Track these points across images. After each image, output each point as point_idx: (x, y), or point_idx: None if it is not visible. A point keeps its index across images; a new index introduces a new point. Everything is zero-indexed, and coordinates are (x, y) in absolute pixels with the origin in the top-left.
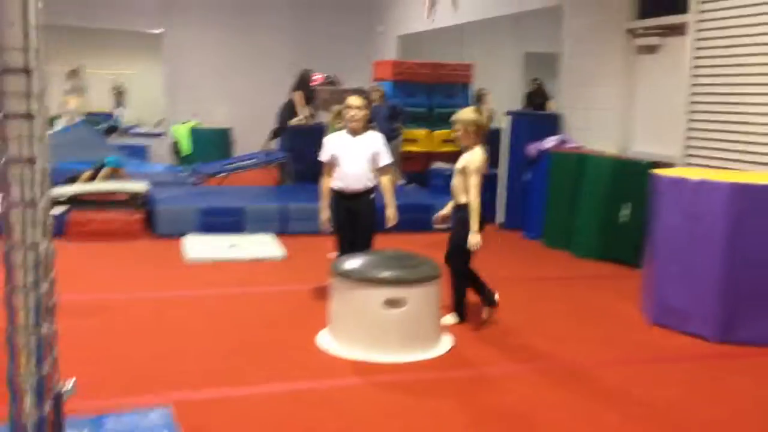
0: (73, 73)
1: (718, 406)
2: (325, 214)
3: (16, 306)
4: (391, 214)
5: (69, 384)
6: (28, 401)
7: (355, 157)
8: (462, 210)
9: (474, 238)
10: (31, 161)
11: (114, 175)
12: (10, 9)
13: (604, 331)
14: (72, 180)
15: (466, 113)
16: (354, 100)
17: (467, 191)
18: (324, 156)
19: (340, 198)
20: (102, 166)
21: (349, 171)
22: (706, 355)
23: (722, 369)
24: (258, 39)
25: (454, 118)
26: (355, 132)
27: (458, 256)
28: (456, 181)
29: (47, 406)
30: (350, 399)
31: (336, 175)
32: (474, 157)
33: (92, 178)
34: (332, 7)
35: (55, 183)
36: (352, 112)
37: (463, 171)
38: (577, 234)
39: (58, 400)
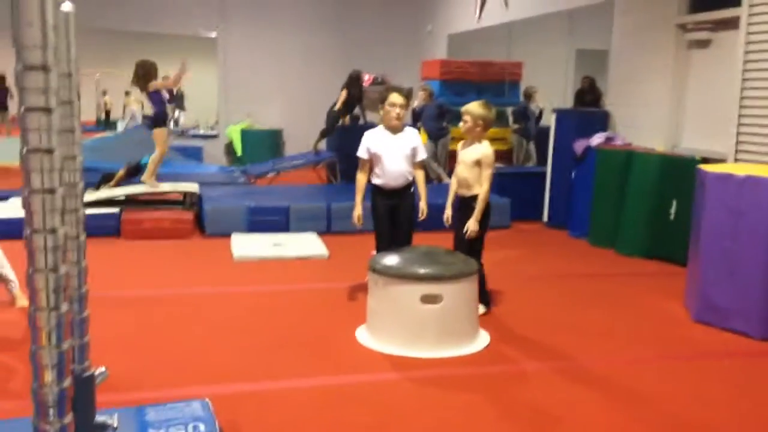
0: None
1: (759, 404)
2: (358, 210)
3: (37, 287)
4: (424, 207)
5: (100, 369)
6: (48, 376)
7: (396, 154)
8: (475, 201)
9: (475, 225)
10: (49, 151)
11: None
12: (28, 10)
13: (645, 328)
14: (106, 178)
15: (477, 108)
16: (397, 98)
17: (481, 183)
18: (362, 152)
19: (380, 194)
20: (137, 165)
21: (390, 168)
22: (749, 352)
23: (766, 367)
24: (309, 41)
25: (464, 109)
26: (395, 129)
27: (477, 246)
28: (469, 174)
29: (66, 382)
30: (385, 393)
31: (376, 172)
32: (488, 151)
33: (126, 176)
34: (382, 8)
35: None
36: (396, 110)
37: (478, 163)
38: (623, 232)
39: (88, 382)
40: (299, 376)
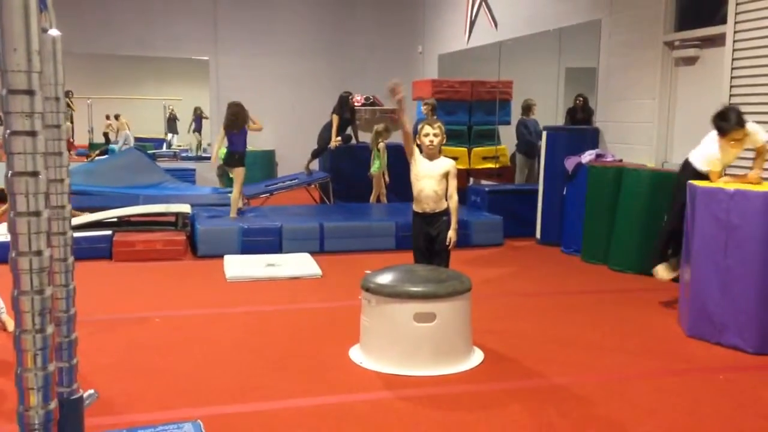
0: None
1: (755, 417)
2: None
3: (23, 309)
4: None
5: (90, 392)
6: (33, 399)
7: None
8: (447, 213)
9: (456, 236)
10: (34, 174)
11: None
12: (13, 35)
13: (639, 344)
14: None
15: (438, 123)
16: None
17: (450, 195)
18: None
19: None
20: None
21: None
22: (743, 366)
23: (761, 381)
24: (301, 63)
25: (435, 125)
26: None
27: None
28: (439, 187)
29: (52, 405)
30: (379, 412)
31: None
32: (452, 163)
33: None
34: (374, 31)
35: (110, 206)
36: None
37: (446, 176)
38: (615, 248)
39: (76, 405)
40: (292, 397)
